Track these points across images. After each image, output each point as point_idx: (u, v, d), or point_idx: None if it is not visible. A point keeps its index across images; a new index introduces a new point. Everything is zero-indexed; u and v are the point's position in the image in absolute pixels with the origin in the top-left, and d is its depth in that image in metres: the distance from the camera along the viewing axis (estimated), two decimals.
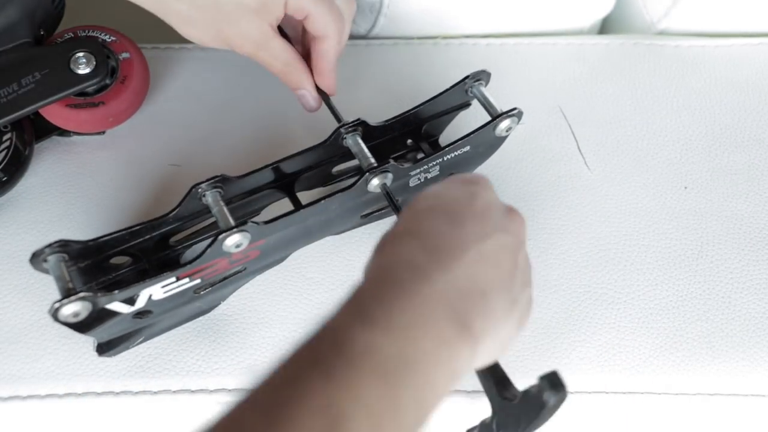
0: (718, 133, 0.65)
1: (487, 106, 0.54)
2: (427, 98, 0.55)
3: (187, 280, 0.48)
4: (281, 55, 0.53)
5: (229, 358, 0.52)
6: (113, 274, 0.51)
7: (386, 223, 0.57)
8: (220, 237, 0.46)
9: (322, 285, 0.55)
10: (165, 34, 0.68)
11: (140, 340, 0.52)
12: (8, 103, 0.52)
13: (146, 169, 0.59)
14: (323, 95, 0.56)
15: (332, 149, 0.54)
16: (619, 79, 0.68)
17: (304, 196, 0.54)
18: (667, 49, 0.70)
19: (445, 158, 0.53)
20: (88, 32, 0.57)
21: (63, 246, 0.46)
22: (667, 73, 0.68)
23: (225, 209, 0.48)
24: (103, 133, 0.60)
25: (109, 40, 0.57)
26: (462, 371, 0.35)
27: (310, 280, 0.55)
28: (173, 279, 0.47)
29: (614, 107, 0.66)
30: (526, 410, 0.43)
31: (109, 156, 0.60)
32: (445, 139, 0.59)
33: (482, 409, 0.51)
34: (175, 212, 0.50)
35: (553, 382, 0.40)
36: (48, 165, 0.59)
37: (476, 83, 0.55)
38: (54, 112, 0.56)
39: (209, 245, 0.46)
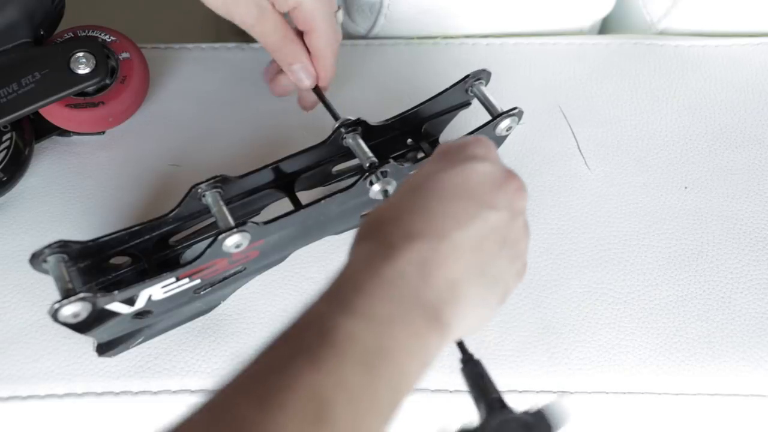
0: (718, 133, 0.65)
1: (487, 105, 0.54)
2: (427, 98, 0.55)
3: (186, 280, 0.48)
4: (279, 27, 0.53)
5: (229, 358, 0.52)
6: (113, 274, 0.51)
7: None
8: (220, 237, 0.46)
9: (322, 285, 0.55)
10: (165, 34, 0.69)
11: (140, 340, 0.52)
12: (8, 103, 0.52)
13: (146, 168, 0.59)
14: (317, 93, 0.56)
15: (332, 149, 0.54)
16: (619, 79, 0.68)
17: (304, 196, 0.54)
18: (667, 49, 0.70)
19: None
20: (88, 32, 0.57)
21: (62, 246, 0.46)
22: (667, 73, 0.68)
23: (225, 209, 0.48)
24: (103, 133, 0.60)
25: (109, 40, 0.57)
26: (432, 359, 0.36)
27: (310, 280, 0.55)
28: (173, 279, 0.47)
29: (614, 107, 0.66)
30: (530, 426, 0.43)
31: (109, 156, 0.60)
32: (445, 138, 0.59)
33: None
34: (174, 212, 0.50)
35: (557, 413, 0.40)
36: (48, 165, 0.59)
37: (476, 82, 0.55)
38: (54, 112, 0.56)
39: (209, 245, 0.46)
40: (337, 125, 0.52)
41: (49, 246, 0.46)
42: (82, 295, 0.43)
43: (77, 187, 0.58)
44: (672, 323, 0.55)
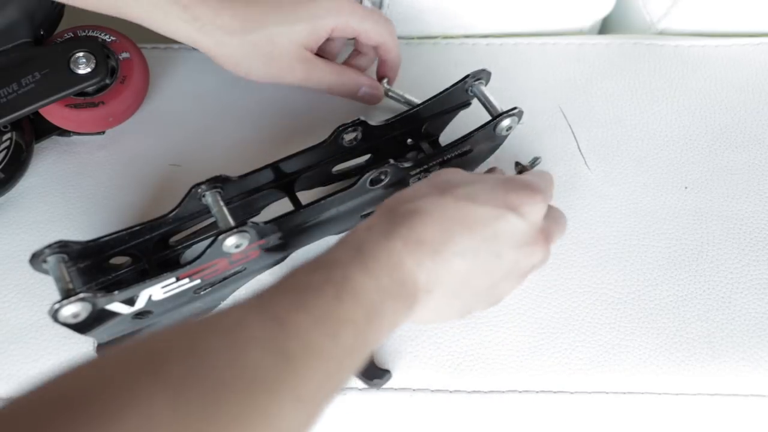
0: (718, 133, 0.65)
1: (487, 105, 0.54)
2: (428, 97, 0.55)
3: (187, 280, 0.48)
4: (331, 68, 0.57)
5: None
6: (113, 274, 0.51)
7: None
8: (220, 237, 0.46)
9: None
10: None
11: None
12: (8, 103, 0.52)
13: (146, 168, 0.59)
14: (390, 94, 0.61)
15: (332, 149, 0.54)
16: (619, 79, 0.68)
17: (304, 196, 0.54)
18: (667, 49, 0.70)
19: (446, 157, 0.53)
20: (88, 32, 0.57)
21: (62, 247, 0.46)
22: (667, 73, 0.68)
23: (225, 210, 0.48)
24: (103, 133, 0.60)
25: (109, 40, 0.57)
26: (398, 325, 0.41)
27: None
28: (173, 279, 0.47)
29: (614, 107, 0.66)
30: None
31: (109, 156, 0.60)
32: (445, 138, 0.59)
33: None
34: (174, 212, 0.50)
35: None
36: (48, 165, 0.59)
37: (476, 82, 0.55)
38: (54, 112, 0.56)
39: (209, 246, 0.46)
40: (337, 126, 0.52)
41: (49, 246, 0.46)
42: (82, 295, 0.43)
43: (77, 186, 0.58)
44: (672, 323, 0.55)
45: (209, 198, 0.49)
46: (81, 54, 0.54)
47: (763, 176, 0.62)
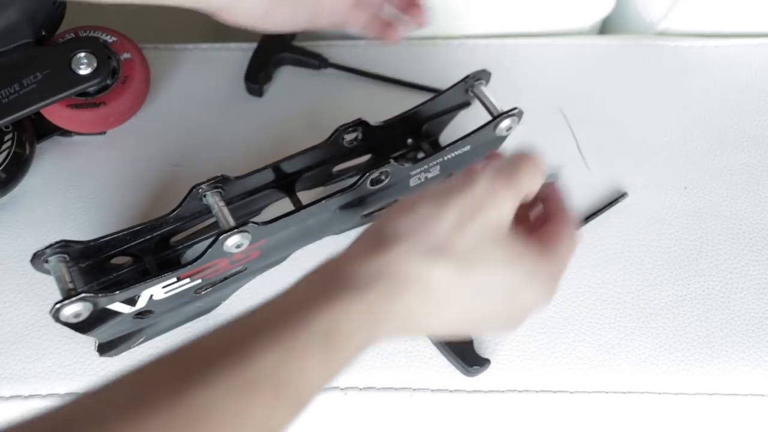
0: (718, 133, 0.65)
1: (487, 105, 0.54)
2: (428, 98, 0.55)
3: (188, 280, 0.48)
4: (369, 2, 0.53)
5: None
6: (114, 274, 0.51)
7: None
8: (221, 238, 0.46)
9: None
10: (165, 35, 0.69)
11: (141, 340, 0.52)
12: (10, 103, 0.52)
13: (147, 168, 0.59)
14: None
15: (332, 149, 0.54)
16: (619, 80, 0.68)
17: (304, 196, 0.55)
18: (667, 49, 0.70)
19: (446, 158, 0.53)
20: (90, 33, 0.57)
21: (64, 247, 0.46)
22: (667, 73, 0.68)
23: (225, 210, 0.48)
24: (104, 133, 0.60)
25: (110, 40, 0.57)
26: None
27: None
28: (174, 279, 0.47)
29: (614, 107, 0.66)
30: None
31: (110, 156, 0.60)
32: (445, 138, 0.59)
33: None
34: (175, 212, 0.50)
35: None
36: (49, 165, 0.59)
37: (476, 83, 0.55)
38: (55, 113, 0.56)
39: (210, 246, 0.46)
40: (337, 126, 0.53)
41: (50, 246, 0.46)
42: (83, 295, 0.43)
43: (78, 187, 0.58)
44: (671, 323, 0.55)
45: (210, 198, 0.49)
46: (82, 54, 0.54)
47: (763, 176, 0.63)
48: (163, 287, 0.47)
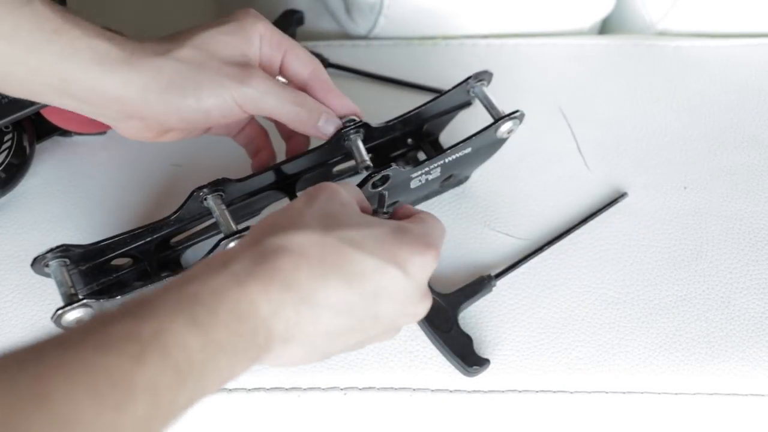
0: (718, 133, 0.65)
1: (488, 107, 0.54)
2: (430, 98, 0.55)
3: None
4: (280, 87, 0.47)
5: None
6: (114, 275, 0.51)
7: None
8: (222, 243, 0.46)
9: None
10: (165, 35, 0.68)
11: None
12: (9, 103, 0.52)
13: (147, 169, 0.59)
14: None
15: (333, 150, 0.54)
16: (619, 79, 0.68)
17: None
18: (667, 49, 0.70)
19: (447, 160, 0.53)
20: None
21: (64, 251, 0.46)
22: (667, 73, 0.68)
23: (226, 213, 0.48)
24: (104, 133, 0.60)
25: None
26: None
27: None
28: None
29: (614, 107, 0.66)
30: None
31: (110, 156, 0.60)
32: (445, 137, 0.59)
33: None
34: (176, 215, 0.50)
35: None
36: (49, 165, 0.59)
37: (478, 83, 0.55)
38: (55, 113, 0.56)
39: (211, 251, 0.46)
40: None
41: (51, 250, 0.46)
42: (84, 300, 0.43)
43: (78, 187, 0.58)
44: (671, 323, 0.55)
45: (211, 201, 0.49)
46: None
47: (763, 176, 0.63)
48: None
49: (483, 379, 0.52)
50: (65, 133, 0.59)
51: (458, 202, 0.59)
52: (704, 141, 0.64)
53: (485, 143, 0.55)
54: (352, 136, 0.51)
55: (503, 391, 0.53)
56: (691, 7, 0.71)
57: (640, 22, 0.74)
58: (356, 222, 0.39)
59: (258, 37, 0.46)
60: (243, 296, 0.35)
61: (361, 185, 0.50)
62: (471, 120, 0.57)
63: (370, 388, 0.52)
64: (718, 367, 0.54)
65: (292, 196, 0.54)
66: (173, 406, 0.32)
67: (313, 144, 0.53)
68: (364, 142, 0.54)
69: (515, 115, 0.53)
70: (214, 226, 0.53)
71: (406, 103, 0.57)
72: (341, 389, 0.52)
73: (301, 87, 0.49)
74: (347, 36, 0.69)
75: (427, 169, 0.53)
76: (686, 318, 0.55)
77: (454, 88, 0.55)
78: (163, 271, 0.47)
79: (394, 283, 0.39)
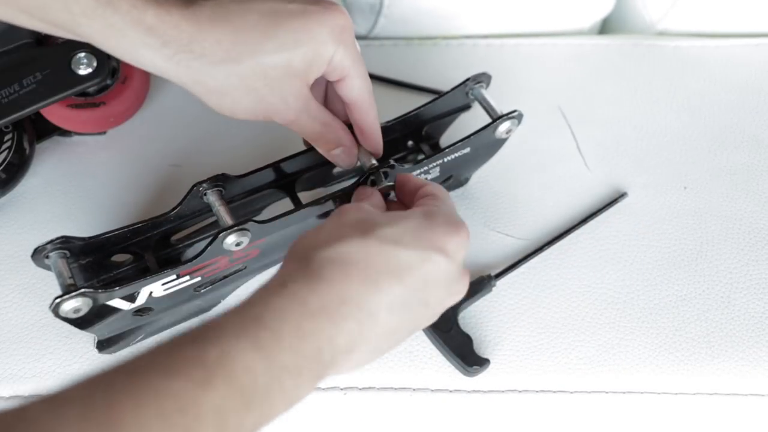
0: (718, 133, 0.65)
1: (487, 108, 0.54)
2: (428, 99, 0.55)
3: (187, 277, 0.48)
4: (320, 115, 0.48)
5: None
6: (114, 271, 0.51)
7: None
8: (221, 235, 0.46)
9: None
10: None
11: (140, 337, 0.52)
12: (9, 103, 0.52)
13: (147, 169, 0.59)
14: None
15: None
16: (619, 79, 0.68)
17: (304, 197, 0.55)
18: (666, 49, 0.70)
19: (446, 159, 0.53)
20: None
21: (64, 243, 0.47)
22: (667, 73, 0.68)
23: (226, 208, 0.48)
24: (104, 133, 0.60)
25: None
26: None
27: None
28: (174, 276, 0.47)
29: (614, 107, 0.66)
30: None
31: (110, 156, 0.60)
32: (445, 140, 0.59)
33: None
34: (176, 210, 0.50)
35: None
36: (49, 165, 0.59)
37: (477, 85, 0.55)
38: (55, 113, 0.56)
39: (210, 243, 0.46)
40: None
41: (51, 242, 0.46)
42: (82, 290, 0.43)
43: (78, 187, 0.58)
44: (671, 323, 0.55)
45: (210, 196, 0.49)
46: (82, 54, 0.54)
47: (763, 176, 0.63)
48: (163, 284, 0.47)
49: (483, 379, 0.52)
50: (65, 133, 0.59)
51: (458, 202, 0.59)
52: (704, 141, 0.64)
53: (484, 143, 0.55)
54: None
55: (503, 391, 0.53)
56: (691, 7, 0.71)
57: (640, 22, 0.74)
58: (388, 220, 0.41)
59: (328, 59, 0.46)
60: (304, 316, 0.36)
61: (360, 185, 0.50)
62: (471, 123, 0.56)
63: (370, 388, 0.52)
64: (718, 367, 0.54)
65: (291, 195, 0.54)
66: (241, 430, 0.33)
67: None
68: None
69: (513, 115, 0.53)
70: (215, 225, 0.53)
71: (406, 103, 0.57)
72: (341, 389, 0.52)
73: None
74: None
75: (426, 168, 0.53)
76: (686, 318, 0.55)
77: (452, 89, 0.55)
78: (163, 268, 0.47)
79: (438, 268, 0.40)
